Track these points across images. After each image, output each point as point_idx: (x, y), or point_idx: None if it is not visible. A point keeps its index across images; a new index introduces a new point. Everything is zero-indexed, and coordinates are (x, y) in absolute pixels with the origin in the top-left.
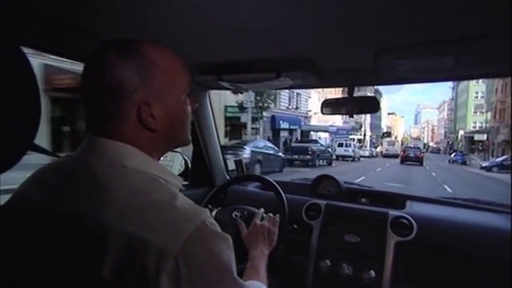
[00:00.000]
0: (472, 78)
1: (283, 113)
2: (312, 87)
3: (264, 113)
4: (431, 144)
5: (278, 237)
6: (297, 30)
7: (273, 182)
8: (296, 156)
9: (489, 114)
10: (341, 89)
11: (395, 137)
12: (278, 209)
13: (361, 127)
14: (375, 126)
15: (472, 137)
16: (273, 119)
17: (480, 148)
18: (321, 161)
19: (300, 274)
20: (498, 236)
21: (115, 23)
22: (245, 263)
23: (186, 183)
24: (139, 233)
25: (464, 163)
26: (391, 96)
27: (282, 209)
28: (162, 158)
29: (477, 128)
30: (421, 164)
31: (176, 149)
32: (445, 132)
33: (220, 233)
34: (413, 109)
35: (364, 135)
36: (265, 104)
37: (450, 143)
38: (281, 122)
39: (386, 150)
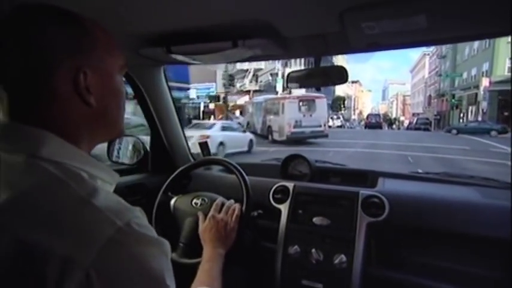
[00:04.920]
0: (449, 42)
1: None
2: (276, 58)
3: None
4: (402, 118)
5: (238, 230)
6: None
7: (234, 164)
8: None
9: None
10: None
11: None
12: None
13: (275, 87)
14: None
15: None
16: None
17: None
18: None
19: (269, 261)
20: (469, 211)
21: None
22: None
23: (144, 169)
24: (36, 237)
25: None
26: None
27: (245, 193)
28: (117, 145)
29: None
30: (381, 128)
31: (132, 134)
32: (429, 96)
33: (150, 236)
34: (381, 86)
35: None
36: None
37: (454, 107)
38: None
39: (296, 123)
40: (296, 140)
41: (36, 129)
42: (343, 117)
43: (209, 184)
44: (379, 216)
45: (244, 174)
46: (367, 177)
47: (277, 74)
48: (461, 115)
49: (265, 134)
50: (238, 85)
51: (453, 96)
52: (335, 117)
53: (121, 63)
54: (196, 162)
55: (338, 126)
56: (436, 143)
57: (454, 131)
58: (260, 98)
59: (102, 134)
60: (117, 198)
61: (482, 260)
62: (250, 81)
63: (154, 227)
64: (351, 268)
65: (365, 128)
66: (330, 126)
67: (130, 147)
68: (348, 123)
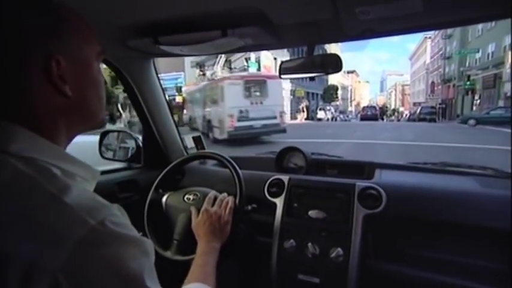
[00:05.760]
0: (447, 27)
1: None
2: (268, 48)
3: None
4: (402, 109)
5: (233, 223)
6: None
7: (227, 158)
8: None
9: None
10: None
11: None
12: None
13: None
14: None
15: None
16: None
17: None
18: None
19: (264, 256)
20: (468, 201)
21: None
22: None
23: (136, 165)
24: None
25: None
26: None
27: (238, 187)
28: (108, 141)
29: None
30: (377, 120)
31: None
32: (432, 83)
33: (127, 236)
34: (379, 78)
35: None
36: None
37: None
38: None
39: (241, 114)
40: (242, 138)
41: (5, 124)
42: (334, 108)
43: (203, 179)
44: (376, 208)
45: (237, 167)
46: (364, 169)
47: (249, 58)
48: (475, 101)
49: (206, 131)
50: (208, 73)
51: (468, 77)
52: (327, 108)
53: (98, 50)
54: (188, 157)
55: (329, 119)
56: (459, 140)
57: (472, 122)
58: (201, 84)
59: (81, 125)
60: (92, 195)
61: (481, 251)
62: (223, 68)
63: (147, 225)
64: (347, 261)
65: (360, 120)
66: (320, 119)
67: (122, 142)
68: (342, 115)
